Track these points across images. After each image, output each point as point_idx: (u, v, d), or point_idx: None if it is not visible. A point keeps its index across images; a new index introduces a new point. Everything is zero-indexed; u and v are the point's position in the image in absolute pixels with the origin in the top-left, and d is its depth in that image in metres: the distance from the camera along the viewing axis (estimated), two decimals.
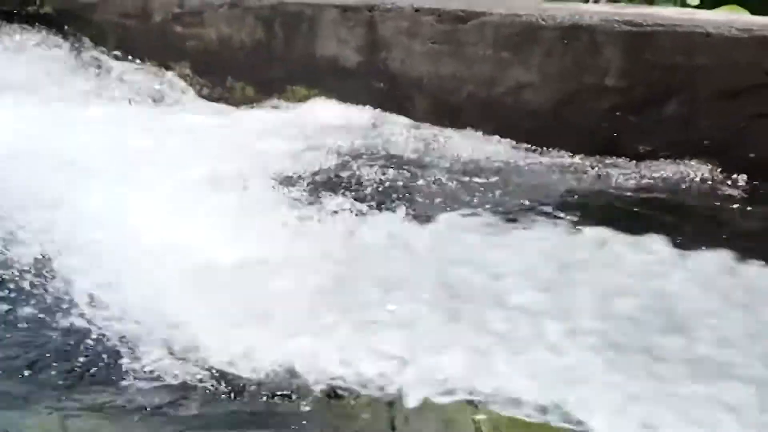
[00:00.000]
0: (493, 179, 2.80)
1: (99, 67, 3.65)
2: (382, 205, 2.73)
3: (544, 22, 2.82)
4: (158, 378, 1.94)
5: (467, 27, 2.93)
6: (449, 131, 3.02)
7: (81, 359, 1.98)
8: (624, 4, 3.35)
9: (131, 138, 3.12)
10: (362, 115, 3.15)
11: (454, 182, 2.83)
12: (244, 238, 2.54)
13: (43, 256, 2.38)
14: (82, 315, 2.11)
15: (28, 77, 3.57)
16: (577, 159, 2.83)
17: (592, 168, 2.79)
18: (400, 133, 3.04)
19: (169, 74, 3.53)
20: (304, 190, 2.83)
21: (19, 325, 2.11)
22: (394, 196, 2.74)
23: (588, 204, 2.68)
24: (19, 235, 2.52)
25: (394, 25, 3.06)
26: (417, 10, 3.02)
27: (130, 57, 3.66)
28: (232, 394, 1.90)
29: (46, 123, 3.15)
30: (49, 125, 3.13)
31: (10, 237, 2.52)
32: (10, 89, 3.42)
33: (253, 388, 1.91)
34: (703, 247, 2.30)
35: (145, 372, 1.95)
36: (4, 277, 2.29)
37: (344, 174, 2.86)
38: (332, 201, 2.68)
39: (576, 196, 2.70)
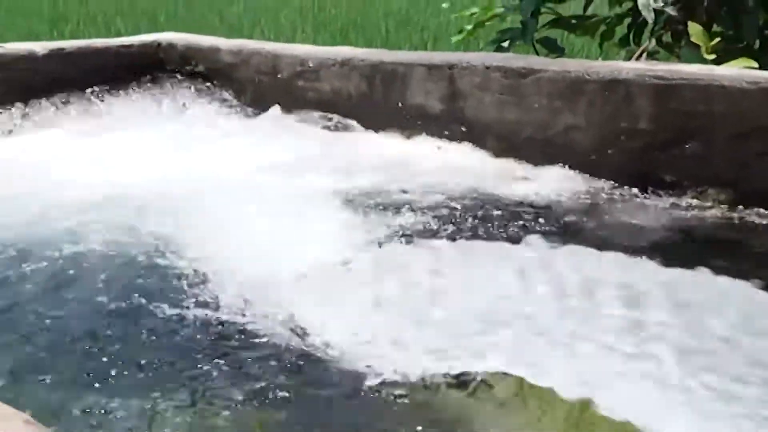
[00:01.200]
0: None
1: (237, 111, 4.09)
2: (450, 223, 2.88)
3: (588, 77, 3.15)
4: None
5: (527, 81, 3.27)
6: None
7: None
8: (656, 62, 3.69)
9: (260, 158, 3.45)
10: None
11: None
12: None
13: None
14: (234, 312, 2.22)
15: (184, 119, 4.02)
16: (617, 188, 3.13)
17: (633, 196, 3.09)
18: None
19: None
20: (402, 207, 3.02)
21: (185, 326, 2.17)
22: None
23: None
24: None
25: (469, 80, 3.41)
26: (487, 68, 3.37)
27: (262, 105, 4.04)
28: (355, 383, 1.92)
29: (194, 149, 3.54)
30: (196, 151, 3.52)
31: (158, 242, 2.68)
32: (168, 127, 3.86)
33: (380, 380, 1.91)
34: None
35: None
36: (167, 285, 2.39)
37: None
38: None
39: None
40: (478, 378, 1.88)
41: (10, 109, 3.89)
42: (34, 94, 3.96)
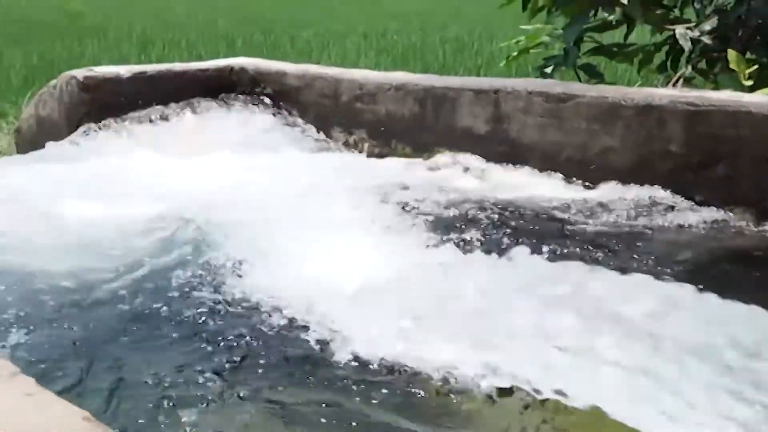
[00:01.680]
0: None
1: (302, 132, 4.11)
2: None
3: (624, 103, 3.13)
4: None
5: (567, 105, 3.26)
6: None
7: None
8: (687, 89, 3.65)
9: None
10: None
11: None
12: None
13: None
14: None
15: (252, 138, 4.03)
16: (650, 206, 3.01)
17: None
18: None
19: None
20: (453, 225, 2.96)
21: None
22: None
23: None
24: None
25: (513, 104, 3.41)
26: (530, 93, 3.36)
27: (323, 125, 4.10)
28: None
29: (258, 167, 3.55)
30: (260, 169, 3.52)
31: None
32: (237, 145, 3.84)
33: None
34: None
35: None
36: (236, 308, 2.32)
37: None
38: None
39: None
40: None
41: (97, 127, 3.94)
42: (117, 114, 4.02)
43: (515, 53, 5.07)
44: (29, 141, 4.25)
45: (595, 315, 2.17)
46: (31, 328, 2.17)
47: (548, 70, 4.63)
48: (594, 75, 4.60)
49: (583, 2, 4.34)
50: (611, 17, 4.51)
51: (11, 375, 1.15)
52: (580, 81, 4.57)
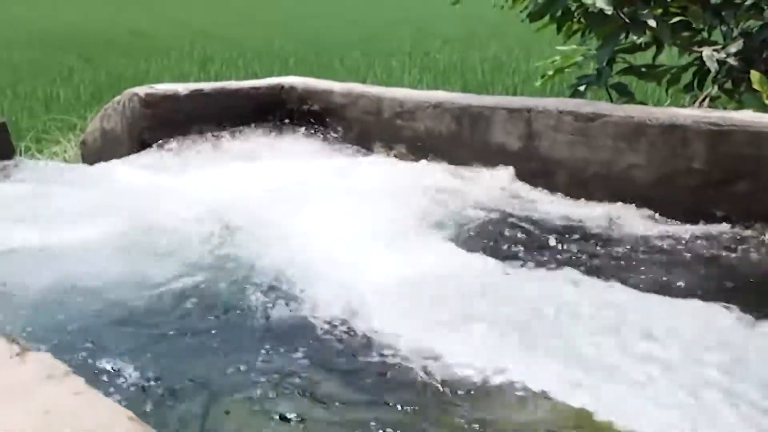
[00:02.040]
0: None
1: (346, 146, 4.10)
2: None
3: (650, 122, 3.10)
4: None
5: (595, 124, 3.24)
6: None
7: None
8: (710, 109, 3.60)
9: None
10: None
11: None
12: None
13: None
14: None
15: (300, 151, 4.07)
16: (671, 222, 3.04)
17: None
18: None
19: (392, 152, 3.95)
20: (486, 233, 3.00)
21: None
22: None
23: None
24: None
25: (544, 122, 3.39)
26: (561, 112, 3.34)
27: (366, 140, 4.11)
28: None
29: (306, 179, 3.58)
30: (309, 181, 3.55)
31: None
32: (286, 157, 3.95)
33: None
34: None
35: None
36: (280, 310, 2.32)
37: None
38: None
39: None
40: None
41: (156, 142, 4.01)
42: (175, 129, 4.08)
43: (550, 72, 5.06)
44: (94, 152, 4.33)
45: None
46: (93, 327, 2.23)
47: (581, 88, 4.61)
48: (624, 93, 4.58)
49: (614, 25, 4.32)
50: (641, 40, 4.48)
51: (64, 374, 1.17)
52: (611, 99, 4.56)
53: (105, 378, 1.89)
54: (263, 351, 2.08)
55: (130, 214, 3.12)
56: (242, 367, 2.00)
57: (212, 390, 1.88)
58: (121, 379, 1.89)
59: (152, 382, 1.90)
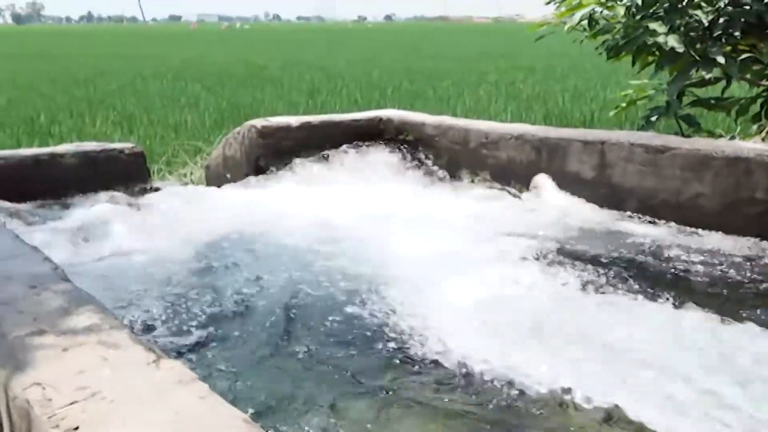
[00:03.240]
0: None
1: (436, 173, 4.17)
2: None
3: (715, 155, 3.08)
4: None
5: (664, 156, 3.22)
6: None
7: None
8: None
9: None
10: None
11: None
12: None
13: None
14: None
15: (396, 177, 4.16)
16: (736, 246, 2.97)
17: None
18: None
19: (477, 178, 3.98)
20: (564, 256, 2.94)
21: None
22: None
23: None
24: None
25: (617, 153, 3.39)
26: (632, 144, 3.34)
27: (453, 167, 4.14)
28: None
29: (399, 201, 3.68)
30: (400, 203, 3.64)
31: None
32: (382, 181, 4.04)
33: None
34: None
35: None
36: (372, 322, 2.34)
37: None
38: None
39: None
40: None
41: (269, 167, 4.16)
42: (286, 155, 4.22)
43: (624, 104, 5.02)
44: (216, 175, 4.51)
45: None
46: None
47: (653, 119, 4.56)
48: (692, 124, 4.51)
49: (685, 62, 4.26)
50: (710, 75, 4.40)
51: (191, 380, 1.25)
52: (681, 129, 4.49)
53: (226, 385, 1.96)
54: (366, 360, 2.12)
55: (247, 225, 3.28)
56: (329, 367, 2.04)
57: (308, 393, 1.93)
58: (236, 382, 1.97)
59: (261, 387, 1.96)
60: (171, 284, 2.63)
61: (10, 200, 3.35)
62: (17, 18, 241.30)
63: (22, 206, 3.36)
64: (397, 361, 2.10)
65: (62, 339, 1.42)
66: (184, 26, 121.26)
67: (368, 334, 2.26)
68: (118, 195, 3.65)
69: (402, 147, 4.39)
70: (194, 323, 2.32)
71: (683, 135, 4.46)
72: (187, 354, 2.12)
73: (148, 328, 2.27)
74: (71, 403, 1.18)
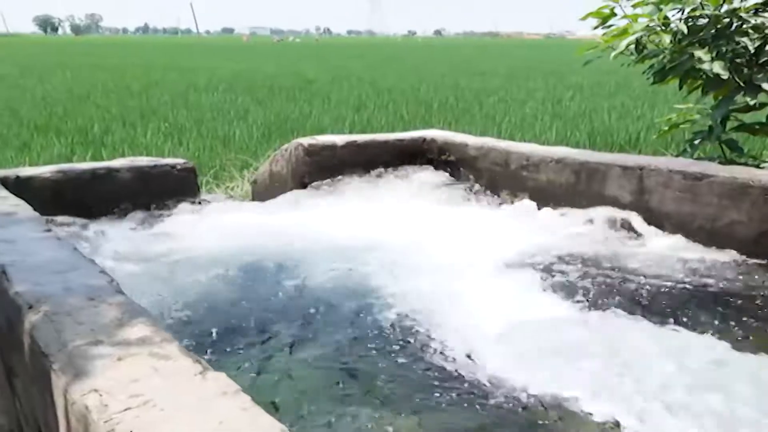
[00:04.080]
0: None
1: (476, 193, 4.20)
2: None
3: (752, 183, 3.10)
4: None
5: (701, 183, 3.25)
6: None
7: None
8: None
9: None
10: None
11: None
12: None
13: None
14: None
15: (433, 196, 4.20)
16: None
17: None
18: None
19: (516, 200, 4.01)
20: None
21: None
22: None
23: None
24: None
25: (655, 179, 3.41)
26: (670, 171, 3.36)
27: (494, 188, 4.19)
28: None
29: (439, 220, 3.73)
30: (441, 222, 3.70)
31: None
32: (423, 200, 4.11)
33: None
34: None
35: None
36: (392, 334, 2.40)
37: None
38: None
39: None
40: None
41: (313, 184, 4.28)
42: (331, 173, 4.34)
43: (666, 128, 5.04)
44: (263, 190, 4.64)
45: None
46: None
47: (696, 142, 4.58)
48: (735, 149, 4.52)
49: (729, 88, 4.28)
50: (754, 101, 4.40)
51: (235, 392, 1.34)
52: (724, 154, 4.50)
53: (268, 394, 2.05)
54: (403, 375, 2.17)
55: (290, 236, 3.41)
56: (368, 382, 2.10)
57: (342, 403, 1.99)
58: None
59: (302, 398, 2.04)
60: (218, 293, 2.76)
61: (68, 212, 3.51)
62: (76, 29, 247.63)
63: (78, 219, 3.52)
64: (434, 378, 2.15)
65: (117, 349, 1.53)
66: (236, 39, 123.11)
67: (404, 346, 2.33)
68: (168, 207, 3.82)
69: (445, 167, 4.47)
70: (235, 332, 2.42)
71: (726, 159, 4.47)
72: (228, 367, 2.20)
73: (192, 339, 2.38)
74: (125, 410, 1.28)
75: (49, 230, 2.46)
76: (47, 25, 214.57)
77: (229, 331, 2.47)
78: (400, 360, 2.27)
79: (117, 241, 3.32)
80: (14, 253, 2.18)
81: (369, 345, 2.35)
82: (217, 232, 3.51)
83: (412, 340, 2.39)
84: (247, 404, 1.29)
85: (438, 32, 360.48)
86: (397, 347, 2.35)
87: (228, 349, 2.34)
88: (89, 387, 1.38)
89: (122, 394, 1.34)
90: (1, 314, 2.02)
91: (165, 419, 1.25)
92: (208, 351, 2.30)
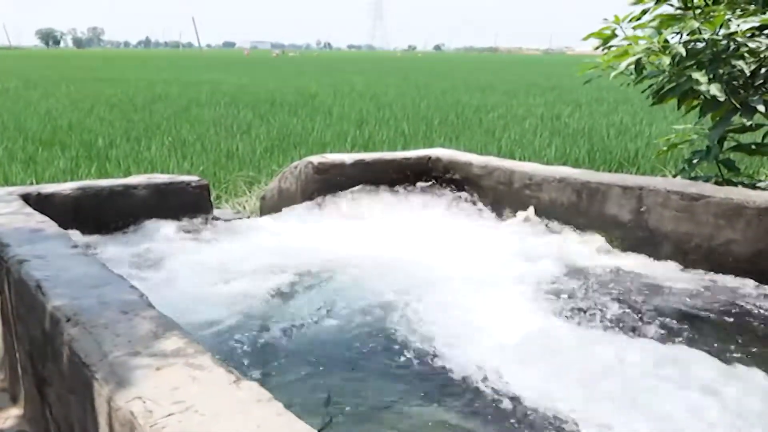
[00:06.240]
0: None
1: (480, 211, 4.33)
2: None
3: (747, 204, 3.20)
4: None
5: (698, 203, 3.35)
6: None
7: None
8: None
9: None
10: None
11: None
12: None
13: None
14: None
15: (437, 213, 4.33)
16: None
17: None
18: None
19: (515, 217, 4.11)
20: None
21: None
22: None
23: None
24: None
25: (654, 199, 3.51)
26: (668, 191, 3.47)
27: (497, 206, 4.29)
28: None
29: (444, 237, 3.84)
30: (446, 238, 3.81)
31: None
32: (428, 217, 4.22)
33: None
34: None
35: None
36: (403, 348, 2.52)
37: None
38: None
39: None
40: None
41: (319, 201, 4.40)
42: (339, 190, 4.45)
43: (665, 148, 5.15)
44: (271, 206, 4.74)
45: None
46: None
47: (694, 161, 4.69)
48: (732, 168, 4.62)
49: (726, 109, 4.39)
50: (750, 122, 4.52)
51: (268, 399, 1.44)
52: (720, 173, 4.61)
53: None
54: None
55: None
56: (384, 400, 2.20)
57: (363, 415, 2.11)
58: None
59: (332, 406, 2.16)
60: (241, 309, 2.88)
61: (88, 228, 3.62)
62: (78, 42, 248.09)
63: (100, 236, 3.64)
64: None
65: (154, 360, 1.64)
66: (238, 52, 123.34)
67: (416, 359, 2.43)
68: (184, 224, 3.93)
69: (449, 185, 4.57)
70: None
71: (723, 178, 4.59)
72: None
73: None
74: (169, 415, 1.39)
75: (76, 246, 2.57)
76: (49, 38, 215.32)
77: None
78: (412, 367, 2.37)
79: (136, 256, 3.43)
80: (47, 269, 2.28)
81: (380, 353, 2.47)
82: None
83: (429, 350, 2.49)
84: (281, 410, 1.40)
85: (438, 47, 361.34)
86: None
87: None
88: (133, 394, 1.49)
89: (165, 401, 1.44)
90: (35, 326, 2.12)
91: (206, 424, 1.36)
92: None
